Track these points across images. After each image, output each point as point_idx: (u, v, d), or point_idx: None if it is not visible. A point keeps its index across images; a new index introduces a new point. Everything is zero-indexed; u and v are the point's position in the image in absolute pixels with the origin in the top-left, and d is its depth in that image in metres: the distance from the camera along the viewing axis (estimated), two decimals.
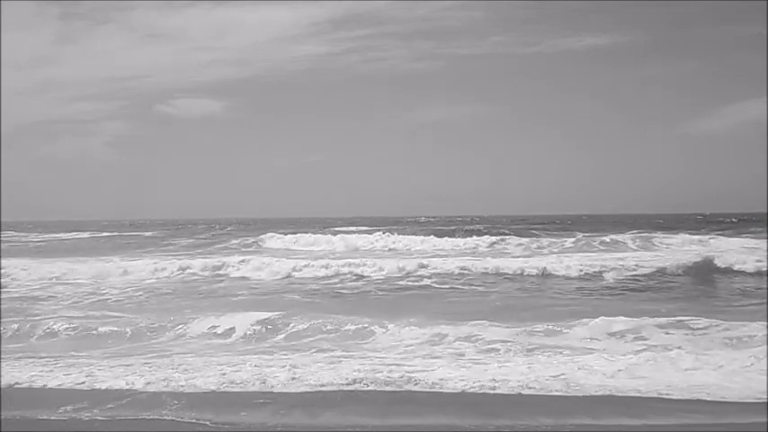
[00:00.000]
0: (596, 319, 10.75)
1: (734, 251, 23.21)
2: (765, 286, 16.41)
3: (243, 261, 20.39)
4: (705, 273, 18.94)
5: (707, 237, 31.25)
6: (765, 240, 27.25)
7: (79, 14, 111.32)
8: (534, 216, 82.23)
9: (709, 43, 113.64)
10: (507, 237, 32.09)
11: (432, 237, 32.52)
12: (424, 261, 20.21)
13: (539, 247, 28.17)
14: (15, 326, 11.51)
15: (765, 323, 10.15)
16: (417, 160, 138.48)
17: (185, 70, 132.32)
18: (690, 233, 32.87)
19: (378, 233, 34.29)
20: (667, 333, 10.26)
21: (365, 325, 11.01)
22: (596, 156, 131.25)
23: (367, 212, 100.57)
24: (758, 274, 18.68)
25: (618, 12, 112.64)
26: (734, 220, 58.74)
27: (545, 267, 19.16)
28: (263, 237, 36.03)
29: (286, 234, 36.23)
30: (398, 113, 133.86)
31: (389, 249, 29.95)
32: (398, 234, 34.48)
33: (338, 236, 34.84)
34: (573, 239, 30.74)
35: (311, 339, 10.57)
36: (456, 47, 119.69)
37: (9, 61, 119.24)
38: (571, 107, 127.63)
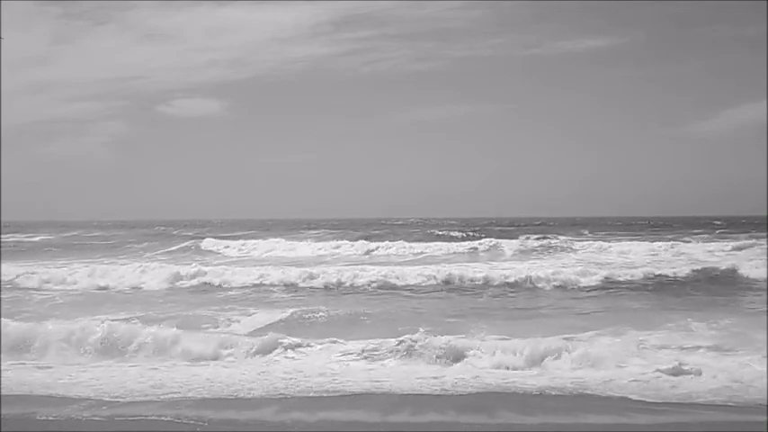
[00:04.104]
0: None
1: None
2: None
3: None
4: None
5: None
6: (674, 243, 26.48)
7: (78, 14, 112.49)
8: (532, 218, 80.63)
9: (709, 44, 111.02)
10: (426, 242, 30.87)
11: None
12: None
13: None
14: None
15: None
16: (418, 160, 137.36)
17: (185, 70, 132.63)
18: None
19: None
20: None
21: None
22: (596, 156, 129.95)
23: (368, 213, 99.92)
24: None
25: (618, 13, 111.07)
26: (717, 222, 56.66)
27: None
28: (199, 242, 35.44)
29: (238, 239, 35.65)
30: (399, 114, 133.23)
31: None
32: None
33: (271, 241, 34.18)
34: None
35: None
36: (457, 48, 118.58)
37: (9, 61, 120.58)
38: (571, 108, 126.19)
